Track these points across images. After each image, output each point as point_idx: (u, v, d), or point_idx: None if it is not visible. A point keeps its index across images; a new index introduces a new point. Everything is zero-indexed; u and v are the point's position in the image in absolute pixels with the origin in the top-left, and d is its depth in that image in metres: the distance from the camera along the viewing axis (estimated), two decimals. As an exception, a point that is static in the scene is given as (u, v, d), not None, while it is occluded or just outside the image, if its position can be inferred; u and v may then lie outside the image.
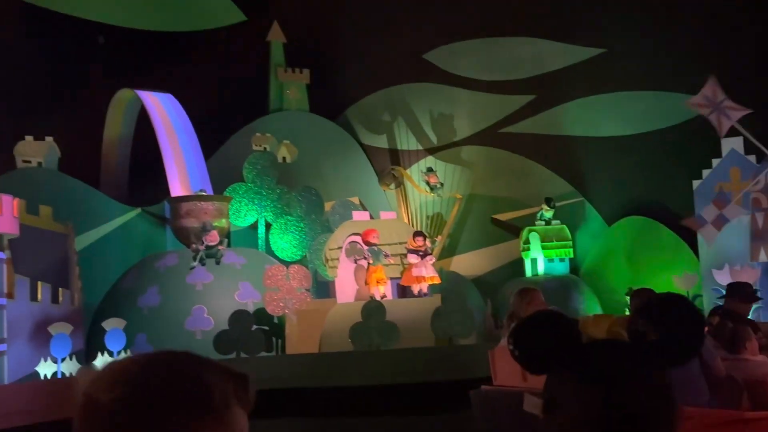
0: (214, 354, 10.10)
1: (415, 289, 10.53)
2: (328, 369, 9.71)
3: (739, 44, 12.52)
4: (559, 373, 1.46)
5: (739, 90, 12.71)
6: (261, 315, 10.80)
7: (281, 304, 10.72)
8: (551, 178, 14.33)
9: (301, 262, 12.08)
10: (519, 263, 14.08)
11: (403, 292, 11.02)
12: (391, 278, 10.85)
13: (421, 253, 10.59)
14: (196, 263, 11.31)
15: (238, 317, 10.19)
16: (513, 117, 14.57)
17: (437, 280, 10.64)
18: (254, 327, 10.38)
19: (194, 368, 1.15)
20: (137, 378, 1.12)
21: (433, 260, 10.85)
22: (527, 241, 13.70)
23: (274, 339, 10.90)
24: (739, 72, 12.61)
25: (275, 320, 11.05)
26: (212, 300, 11.13)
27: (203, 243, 11.43)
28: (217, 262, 11.43)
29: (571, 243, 13.70)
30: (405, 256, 10.73)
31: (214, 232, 11.50)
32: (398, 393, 8.83)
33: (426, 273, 10.56)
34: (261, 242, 13.02)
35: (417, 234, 10.81)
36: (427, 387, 8.74)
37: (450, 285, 11.41)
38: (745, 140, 11.99)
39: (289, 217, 12.95)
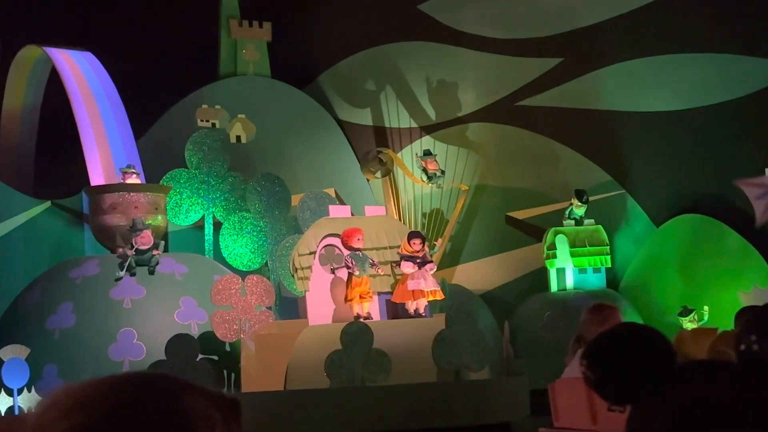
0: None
1: (411, 307, 10.42)
2: (296, 412, 9.48)
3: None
4: (650, 403, 1.46)
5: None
6: (208, 341, 10.64)
7: (235, 327, 10.56)
8: (583, 164, 14.26)
9: (262, 272, 11.94)
10: (541, 274, 13.97)
11: (394, 311, 10.86)
12: (379, 293, 10.67)
13: (418, 261, 10.40)
14: (123, 273, 11.01)
15: (178, 344, 9.90)
16: (534, 86, 14.49)
17: (440, 296, 10.52)
18: (199, 357, 10.15)
19: (172, 392, 1.18)
20: (100, 404, 1.14)
21: (434, 269, 10.64)
22: (552, 246, 13.55)
23: (225, 372, 10.62)
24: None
25: (227, 348, 10.80)
26: (144, 321, 10.94)
27: (132, 246, 11.10)
28: (151, 272, 11.14)
29: (608, 248, 13.60)
30: (397, 264, 10.56)
31: (147, 233, 11.18)
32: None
33: (425, 286, 10.38)
34: (208, 246, 12.90)
35: (413, 235, 10.58)
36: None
37: (455, 302, 11.06)
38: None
39: (245, 214, 12.80)
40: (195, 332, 10.79)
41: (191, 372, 9.88)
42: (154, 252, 11.32)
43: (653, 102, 13.92)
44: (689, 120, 13.64)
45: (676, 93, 13.72)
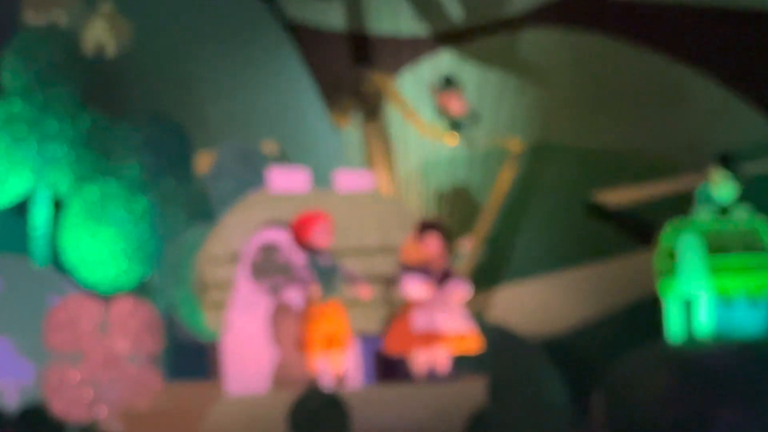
0: None
1: (421, 361, 10.20)
2: None
3: None
4: None
5: None
6: (35, 421, 10.06)
7: (88, 395, 10.03)
8: (734, 109, 13.54)
9: (143, 291, 11.46)
10: (649, 308, 13.02)
11: (386, 369, 10.71)
12: (362, 336, 10.47)
13: (435, 275, 10.20)
14: None
15: None
16: None
17: (474, 344, 10.30)
18: None
19: None
20: None
21: (466, 291, 10.37)
22: (674, 255, 12.59)
23: None
24: None
25: None
26: None
27: None
28: None
29: None
30: (395, 281, 10.30)
31: None
32: None
33: (447, 323, 10.16)
34: (40, 245, 12.36)
35: (427, 228, 10.34)
36: None
37: (500, 353, 10.47)
38: None
39: (111, 184, 12.11)
40: (11, 403, 10.56)
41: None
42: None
43: None
44: None
45: None
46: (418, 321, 9.94)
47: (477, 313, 11.15)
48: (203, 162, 12.40)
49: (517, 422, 9.29)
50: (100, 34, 13.15)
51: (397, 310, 10.24)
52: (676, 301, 12.80)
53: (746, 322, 12.72)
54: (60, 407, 9.83)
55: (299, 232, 10.03)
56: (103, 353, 9.91)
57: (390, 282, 10.35)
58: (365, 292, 10.06)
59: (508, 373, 9.61)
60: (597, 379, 12.33)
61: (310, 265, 9.94)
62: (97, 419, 10.02)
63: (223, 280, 10.31)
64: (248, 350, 10.22)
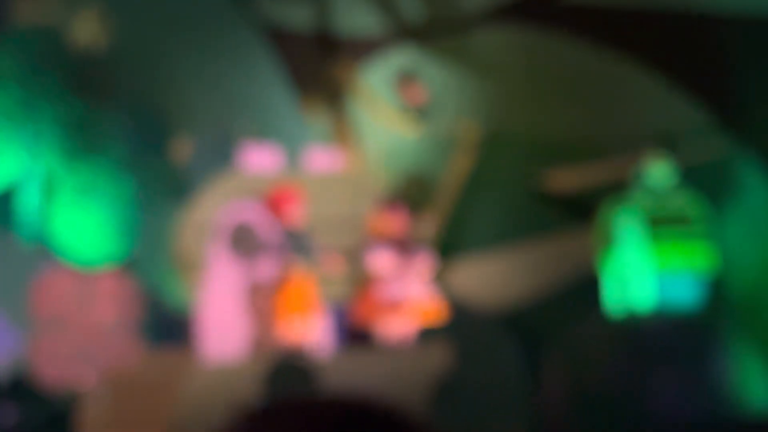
0: None
1: (387, 329, 9.49)
2: None
3: None
4: None
5: None
6: (26, 387, 9.32)
7: (73, 362, 9.15)
8: (666, 99, 12.65)
9: (125, 265, 10.68)
10: (590, 282, 12.28)
11: (354, 336, 9.93)
12: (330, 304, 9.78)
13: (401, 248, 9.65)
14: None
15: None
16: None
17: (438, 311, 9.68)
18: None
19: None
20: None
21: (429, 262, 9.91)
22: (613, 231, 11.86)
23: None
24: None
25: (58, 400, 9.33)
26: None
27: None
28: None
29: (708, 236, 11.90)
30: (364, 252, 9.60)
31: None
32: None
33: (412, 292, 9.58)
34: (28, 227, 11.34)
35: (393, 204, 9.96)
36: None
37: (461, 321, 10.06)
38: None
39: (95, 169, 11.26)
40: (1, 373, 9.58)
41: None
42: None
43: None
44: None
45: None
46: (384, 291, 9.36)
47: (438, 283, 10.48)
48: (182, 145, 11.65)
49: (478, 386, 8.58)
50: (86, 30, 12.26)
51: (365, 281, 9.58)
52: (615, 276, 12.09)
53: (682, 296, 12.02)
54: (46, 375, 9.06)
55: (273, 207, 9.42)
56: (87, 323, 9.11)
57: (358, 254, 9.66)
58: (335, 263, 9.53)
59: (468, 340, 8.89)
60: (546, 348, 11.62)
61: (283, 239, 9.32)
62: (81, 385, 9.24)
63: (199, 254, 9.63)
64: (224, 319, 9.47)
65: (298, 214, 9.41)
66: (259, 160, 10.01)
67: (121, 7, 12.42)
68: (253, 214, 9.49)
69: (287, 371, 8.33)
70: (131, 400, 9.00)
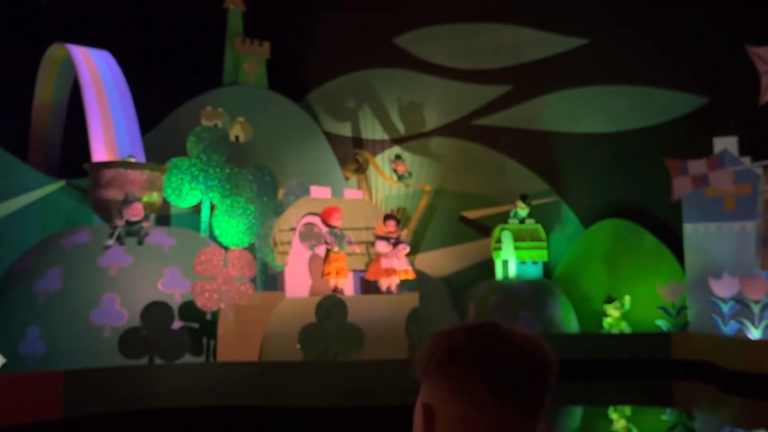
0: (119, 359, 6.80)
1: (384, 284, 7.67)
2: (269, 383, 6.49)
3: (735, 41, 9.20)
4: None
5: (734, 87, 9.86)
6: (189, 310, 7.46)
7: (215, 297, 7.36)
8: (526, 175, 11.17)
9: (250, 251, 8.61)
10: (488, 264, 10.81)
11: (366, 288, 8.01)
12: (354, 271, 7.94)
13: (392, 241, 7.66)
14: (112, 241, 7.50)
15: (153, 311, 6.56)
16: (487, 108, 11.34)
17: (411, 275, 7.72)
18: (178, 324, 7.13)
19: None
20: (458, 335, 1.12)
21: (407, 250, 7.81)
22: (499, 241, 10.26)
23: (205, 340, 7.38)
24: (734, 68, 9.57)
25: (208, 317, 7.48)
26: (129, 288, 7.50)
27: (123, 218, 7.56)
28: (140, 242, 7.73)
29: (545, 244, 10.45)
30: (372, 244, 7.78)
31: (138, 205, 7.69)
32: (361, 418, 5.96)
33: (398, 265, 7.65)
34: (204, 227, 9.53)
35: (388, 217, 7.82)
36: (400, 411, 5.41)
37: (431, 281, 7.85)
38: (740, 140, 9.08)
39: (237, 198, 9.44)
40: (178, 301, 7.59)
41: (164, 339, 6.59)
42: (144, 224, 8.00)
43: (586, 125, 11.15)
44: (615, 141, 10.98)
45: (607, 118, 11.10)
46: (383, 263, 7.59)
47: (411, 261, 8.55)
48: (281, 195, 9.62)
49: (435, 316, 6.91)
50: (237, 131, 10.41)
51: (373, 258, 7.83)
52: (500, 261, 10.52)
53: (530, 272, 10.43)
54: (201, 301, 7.25)
55: (325, 216, 7.71)
56: (224, 276, 7.33)
57: (369, 244, 7.92)
58: (358, 248, 7.76)
59: (433, 290, 7.29)
60: (461, 296, 10.03)
61: (330, 234, 7.57)
62: (218, 309, 7.44)
63: (285, 240, 7.80)
64: (297, 275, 7.77)
65: (338, 221, 7.74)
66: (318, 193, 8.26)
67: (253, 120, 10.80)
68: (314, 220, 7.84)
69: (330, 304, 6.80)
70: (245, 319, 7.36)
